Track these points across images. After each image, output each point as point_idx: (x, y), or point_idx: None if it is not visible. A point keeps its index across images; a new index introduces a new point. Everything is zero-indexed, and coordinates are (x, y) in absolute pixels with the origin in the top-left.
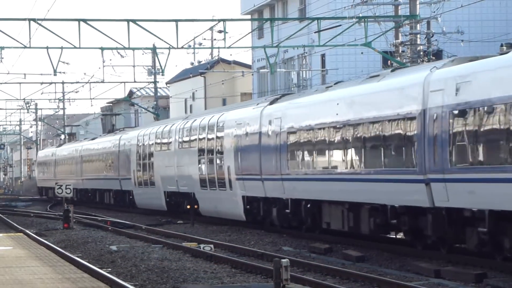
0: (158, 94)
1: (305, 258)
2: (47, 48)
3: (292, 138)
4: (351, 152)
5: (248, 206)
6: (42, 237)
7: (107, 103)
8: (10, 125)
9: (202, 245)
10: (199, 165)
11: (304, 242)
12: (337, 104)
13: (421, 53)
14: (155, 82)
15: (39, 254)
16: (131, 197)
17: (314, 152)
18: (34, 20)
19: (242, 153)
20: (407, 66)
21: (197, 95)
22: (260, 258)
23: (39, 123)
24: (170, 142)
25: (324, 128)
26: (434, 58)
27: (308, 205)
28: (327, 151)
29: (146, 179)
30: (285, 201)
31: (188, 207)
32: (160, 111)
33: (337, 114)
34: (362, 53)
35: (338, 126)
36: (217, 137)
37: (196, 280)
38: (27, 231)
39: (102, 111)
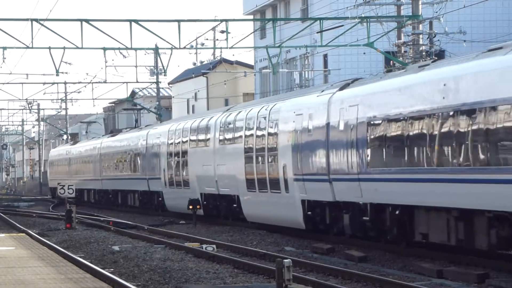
0: (161, 94)
1: (307, 258)
2: (49, 48)
3: (375, 130)
4: (467, 146)
5: (309, 212)
6: (45, 237)
7: (110, 103)
8: (12, 125)
9: (204, 245)
10: (246, 164)
11: (306, 243)
12: (444, 85)
13: (424, 53)
14: (157, 83)
15: (42, 254)
16: (160, 199)
17: (406, 146)
18: (36, 20)
19: (303, 149)
20: None
21: (199, 95)
22: (262, 258)
23: (42, 123)
24: (208, 138)
25: (422, 117)
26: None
27: (396, 212)
28: (426, 145)
29: (179, 179)
30: (362, 206)
31: (190, 207)
32: (162, 111)
33: (443, 97)
34: (364, 53)
35: (445, 112)
36: (269, 131)
37: (198, 280)
38: (30, 231)
39: (105, 111)
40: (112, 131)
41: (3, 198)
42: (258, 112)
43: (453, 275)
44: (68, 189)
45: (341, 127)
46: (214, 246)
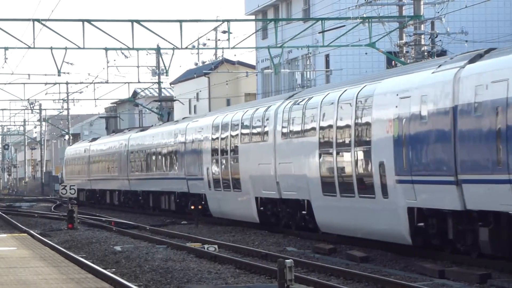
0: (162, 94)
1: (309, 258)
2: (51, 48)
3: None
4: None
5: (420, 223)
6: (46, 237)
7: (111, 103)
8: (14, 125)
9: (206, 246)
10: (321, 162)
11: (308, 243)
12: None
13: (425, 53)
14: (159, 83)
15: (43, 255)
16: (202, 202)
17: None
18: (38, 20)
19: (411, 141)
20: None
21: (201, 95)
22: (264, 258)
23: (43, 123)
24: (266, 132)
25: None
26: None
27: None
28: None
29: (227, 180)
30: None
31: (192, 207)
32: (164, 111)
33: None
34: (366, 53)
35: None
36: (357, 121)
37: (200, 281)
38: (31, 232)
39: (106, 112)
40: (144, 128)
41: (5, 199)
42: (339, 97)
43: (455, 276)
44: (70, 189)
45: (478, 111)
46: (216, 246)
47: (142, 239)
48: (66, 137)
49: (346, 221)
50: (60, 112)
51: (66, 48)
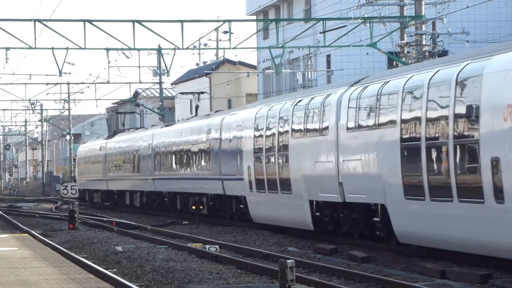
0: (164, 94)
1: (310, 258)
2: (52, 48)
3: None
4: None
5: None
6: (48, 237)
7: (113, 103)
8: (15, 125)
9: (207, 246)
10: (403, 158)
11: (310, 243)
12: None
13: (427, 53)
14: (160, 83)
15: (45, 255)
16: (241, 206)
17: None
18: (39, 20)
19: None
20: None
21: (202, 95)
22: (265, 258)
23: (44, 123)
24: (327, 125)
25: None
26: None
27: None
28: None
29: (273, 181)
30: None
31: (193, 207)
32: (166, 111)
33: None
34: (367, 53)
35: None
36: (458, 108)
37: (201, 281)
38: (33, 232)
39: (108, 112)
40: (168, 123)
41: (6, 199)
42: (429, 80)
43: (456, 276)
44: (71, 189)
45: None
46: (217, 246)
47: (143, 239)
48: (67, 137)
49: (437, 230)
50: (61, 112)
51: (67, 48)
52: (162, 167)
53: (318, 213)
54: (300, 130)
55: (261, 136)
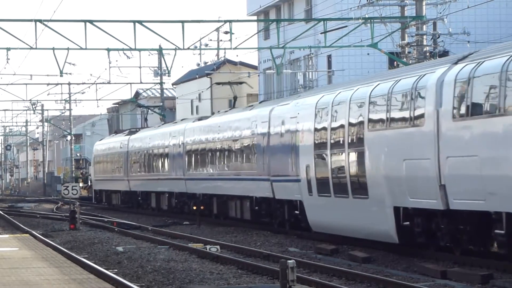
0: (165, 95)
1: (311, 259)
2: (53, 49)
3: None
4: None
5: None
6: (49, 238)
7: (113, 104)
8: (16, 126)
9: (208, 246)
10: None
11: (310, 243)
12: None
13: (427, 54)
14: (161, 83)
15: (45, 255)
16: (296, 211)
17: None
18: (40, 21)
19: None
20: None
21: (203, 96)
22: (266, 259)
23: (45, 124)
24: (421, 114)
25: None
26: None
27: None
28: None
29: (342, 182)
30: None
31: (194, 208)
32: (166, 112)
33: None
34: (368, 54)
35: None
36: None
37: (202, 281)
38: (34, 232)
39: (108, 112)
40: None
41: (7, 199)
42: None
43: (457, 276)
44: (72, 189)
45: None
46: (218, 247)
47: (144, 239)
48: (68, 137)
49: None
50: (62, 113)
51: (68, 49)
52: (195, 166)
53: (406, 222)
54: (380, 121)
55: (324, 129)
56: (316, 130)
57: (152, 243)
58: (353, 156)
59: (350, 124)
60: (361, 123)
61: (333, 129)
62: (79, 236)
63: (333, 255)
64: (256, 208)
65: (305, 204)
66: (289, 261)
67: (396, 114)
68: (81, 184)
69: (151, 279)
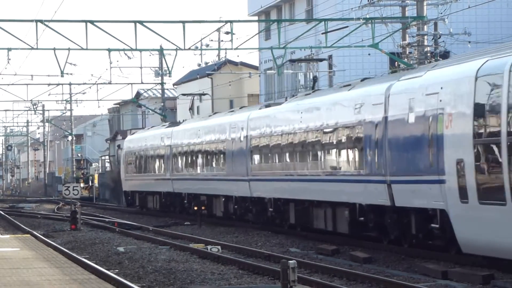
0: (165, 95)
1: (312, 259)
2: (54, 49)
3: None
4: None
5: None
6: (50, 238)
7: (114, 104)
8: (17, 126)
9: (209, 247)
10: None
11: (311, 244)
12: None
13: (428, 54)
14: (162, 84)
15: (47, 256)
16: (433, 225)
17: None
18: (41, 21)
19: None
20: None
21: (204, 96)
22: (267, 259)
23: (46, 124)
24: None
25: None
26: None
27: None
28: None
29: None
30: None
31: (195, 208)
32: (167, 112)
33: None
34: (369, 54)
35: None
36: None
37: (203, 282)
38: (35, 233)
39: (109, 113)
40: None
41: (8, 200)
42: None
43: (458, 276)
44: (73, 190)
45: None
46: (219, 247)
47: (145, 240)
48: (69, 138)
49: None
50: (63, 113)
51: (69, 49)
52: (264, 164)
53: None
54: None
55: (494, 107)
56: (476, 109)
57: (153, 243)
58: None
59: None
60: None
61: (511, 107)
62: (80, 237)
63: (334, 256)
64: (361, 218)
65: (451, 214)
66: (290, 261)
67: None
68: (82, 185)
69: (152, 279)
